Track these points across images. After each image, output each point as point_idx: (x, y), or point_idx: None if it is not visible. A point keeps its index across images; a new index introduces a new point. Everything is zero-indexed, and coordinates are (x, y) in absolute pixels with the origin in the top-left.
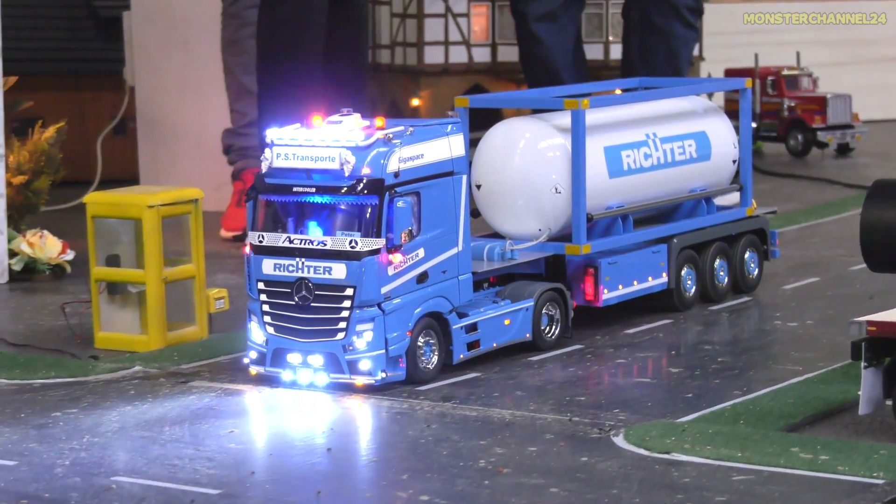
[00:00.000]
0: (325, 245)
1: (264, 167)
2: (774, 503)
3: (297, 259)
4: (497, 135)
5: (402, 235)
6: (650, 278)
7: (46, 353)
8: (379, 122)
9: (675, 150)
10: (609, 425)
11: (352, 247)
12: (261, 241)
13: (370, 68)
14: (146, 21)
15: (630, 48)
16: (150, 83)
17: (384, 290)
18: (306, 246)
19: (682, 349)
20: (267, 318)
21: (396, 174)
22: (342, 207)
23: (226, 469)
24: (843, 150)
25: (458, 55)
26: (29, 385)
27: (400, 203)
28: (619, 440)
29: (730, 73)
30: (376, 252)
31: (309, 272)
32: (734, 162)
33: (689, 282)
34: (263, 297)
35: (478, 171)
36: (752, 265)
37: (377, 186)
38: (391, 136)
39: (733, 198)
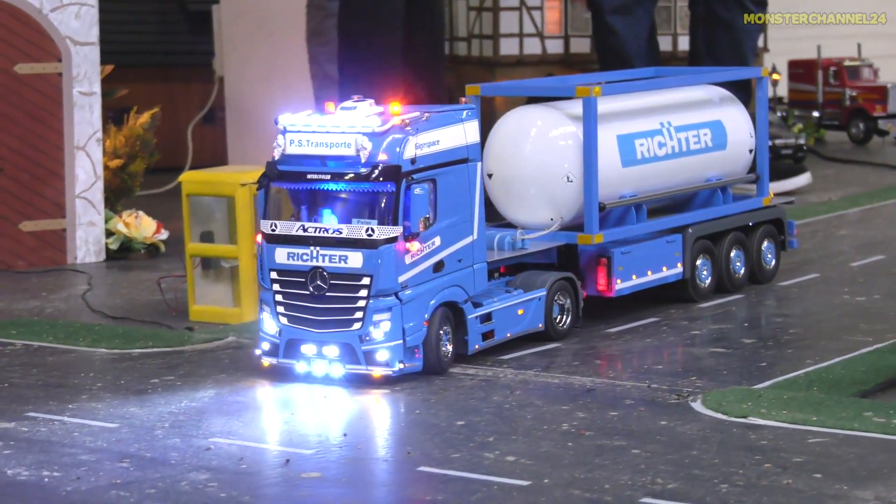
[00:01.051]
0: (341, 233)
1: (277, 154)
2: (850, 463)
3: (312, 248)
4: (508, 123)
5: (420, 223)
6: (665, 268)
7: (144, 325)
8: (394, 107)
9: (689, 138)
10: (687, 391)
11: (368, 235)
12: (273, 230)
13: (447, 59)
14: (235, 14)
15: (696, 40)
16: (238, 73)
17: (401, 278)
18: (321, 234)
19: (755, 321)
20: (280, 309)
21: (413, 160)
22: (358, 194)
23: (318, 431)
24: None
25: (533, 47)
26: (128, 354)
27: (417, 190)
28: (697, 405)
29: (793, 64)
30: (393, 240)
31: (324, 261)
32: (750, 151)
33: (704, 272)
34: (276, 286)
35: (489, 160)
36: (770, 256)
37: (394, 173)
38: (407, 121)
39: (797, 181)
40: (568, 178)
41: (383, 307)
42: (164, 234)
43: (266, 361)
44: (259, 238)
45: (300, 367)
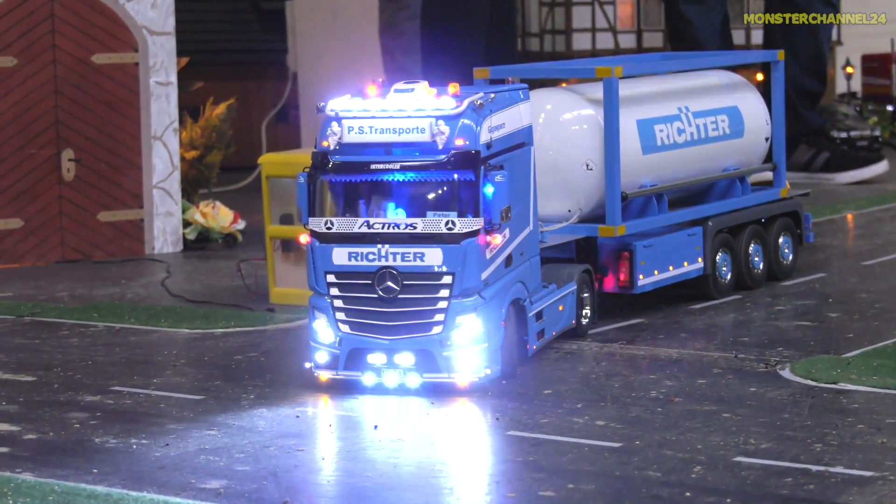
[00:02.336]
0: (415, 228)
1: (331, 143)
2: None
3: (379, 246)
4: None
5: (501, 214)
6: (686, 263)
7: (224, 308)
8: (452, 88)
9: (707, 125)
10: (775, 360)
11: (448, 228)
12: (329, 228)
13: (520, 55)
14: (307, 10)
15: (772, 28)
16: (312, 69)
17: (484, 275)
18: (390, 230)
19: (839, 297)
20: (340, 315)
21: (489, 145)
22: (430, 185)
23: (407, 400)
24: None
25: (605, 41)
26: (210, 333)
27: (498, 177)
28: (786, 373)
29: (867, 58)
30: (475, 234)
31: (395, 260)
32: (767, 140)
33: (724, 267)
34: (335, 290)
35: None
36: (787, 250)
37: (474, 159)
38: (480, 102)
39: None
40: (587, 165)
41: (468, 307)
42: (241, 224)
43: (323, 375)
44: (307, 238)
45: (368, 378)
